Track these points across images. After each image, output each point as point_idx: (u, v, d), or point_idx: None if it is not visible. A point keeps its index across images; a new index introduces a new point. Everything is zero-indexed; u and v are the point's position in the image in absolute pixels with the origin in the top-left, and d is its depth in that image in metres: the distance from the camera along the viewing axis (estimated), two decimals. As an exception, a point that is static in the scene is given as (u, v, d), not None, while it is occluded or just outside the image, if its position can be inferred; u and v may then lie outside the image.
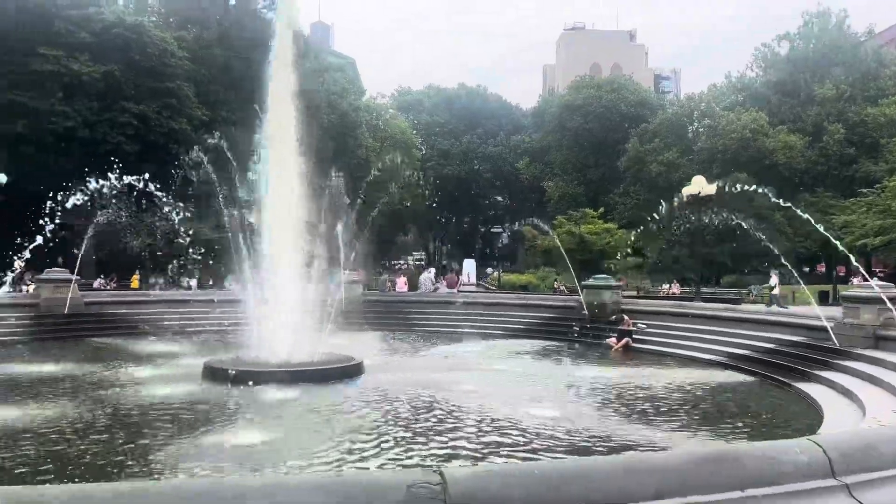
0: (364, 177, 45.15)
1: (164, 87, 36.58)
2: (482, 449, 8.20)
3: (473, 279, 50.98)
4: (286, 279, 14.62)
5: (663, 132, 55.16)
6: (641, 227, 26.37)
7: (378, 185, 36.15)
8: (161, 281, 35.07)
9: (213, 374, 12.56)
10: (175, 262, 27.80)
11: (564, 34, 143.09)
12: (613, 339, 18.75)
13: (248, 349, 14.43)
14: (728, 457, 3.60)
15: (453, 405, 10.56)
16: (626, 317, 19.26)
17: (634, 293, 33.02)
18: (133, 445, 8.18)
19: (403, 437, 8.66)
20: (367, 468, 7.27)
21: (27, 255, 9.09)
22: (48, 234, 8.57)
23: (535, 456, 7.83)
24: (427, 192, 68.65)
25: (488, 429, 9.13)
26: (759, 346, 15.51)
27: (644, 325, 19.11)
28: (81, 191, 12.03)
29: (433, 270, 41.73)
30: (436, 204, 71.85)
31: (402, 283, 31.20)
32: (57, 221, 8.76)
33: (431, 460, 7.62)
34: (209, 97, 40.18)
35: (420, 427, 9.23)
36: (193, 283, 32.88)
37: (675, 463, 3.47)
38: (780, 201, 17.52)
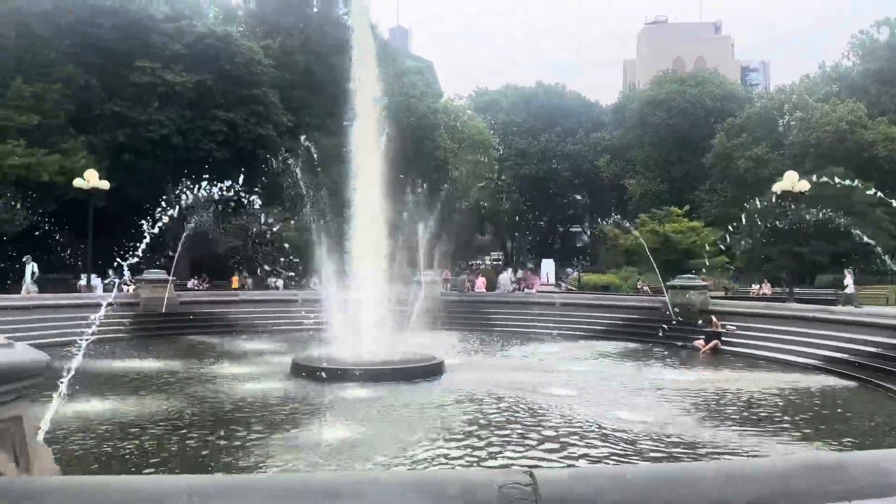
0: (442, 178, 45.69)
1: (251, 94, 38.02)
2: (568, 451, 8.10)
3: (552, 279, 50.46)
4: (369, 279, 14.95)
5: (752, 126, 52.94)
6: (735, 225, 25.36)
7: (456, 185, 36.37)
8: (250, 281, 36.49)
9: (301, 371, 12.97)
10: (263, 262, 28.85)
11: (646, 28, 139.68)
12: (701, 342, 18.16)
13: (334, 347, 14.82)
14: (832, 465, 3.42)
15: (536, 406, 10.49)
16: (713, 318, 18.62)
17: (722, 293, 31.86)
18: (226, 439, 8.53)
19: (487, 437, 8.67)
20: (453, 467, 7.33)
21: (135, 257, 9.63)
22: (150, 237, 9.06)
23: (624, 460, 7.68)
24: (504, 191, 68.60)
25: (574, 431, 9.02)
26: (858, 349, 14.66)
27: (734, 327, 18.41)
28: (185, 196, 12.66)
29: (512, 270, 41.60)
30: (514, 203, 71.64)
31: (480, 284, 31.24)
32: (160, 225, 9.24)
33: (516, 461, 7.60)
34: (293, 103, 41.48)
35: (503, 427, 9.23)
36: (280, 283, 33.99)
37: (774, 470, 3.33)
38: (881, 196, 16.54)
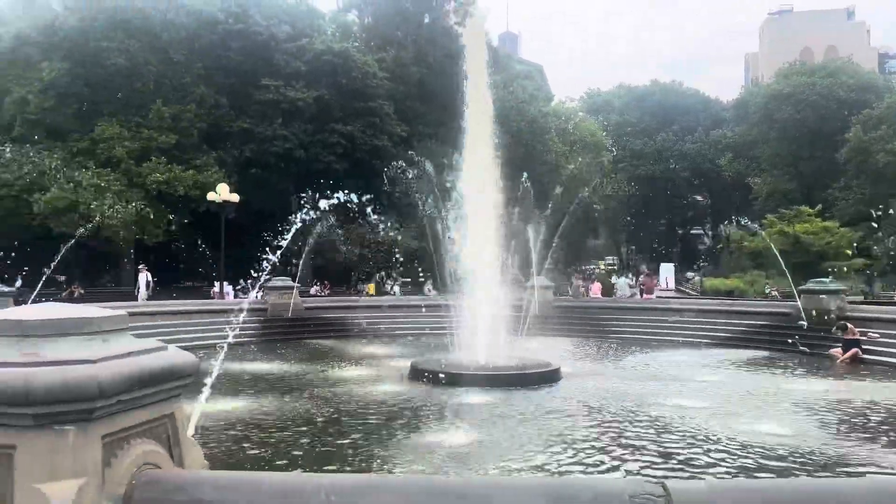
0: (553, 182, 45.21)
1: (367, 106, 39.33)
2: (695, 463, 7.77)
3: (672, 284, 48.69)
4: (483, 284, 15.04)
5: (892, 117, 48.76)
6: (876, 224, 23.46)
7: (568, 189, 35.91)
8: (364, 287, 37.62)
9: (419, 374, 13.23)
10: (381, 269, 29.71)
11: (769, 19, 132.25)
12: (838, 350, 16.89)
13: (450, 352, 15.01)
14: None
15: (659, 416, 10.14)
16: (850, 325, 17.26)
17: (861, 298, 29.50)
18: (348, 440, 8.84)
19: (608, 447, 8.47)
20: (577, 475, 7.22)
21: (269, 266, 10.23)
22: (281, 246, 9.59)
23: (759, 475, 7.27)
24: (619, 194, 66.90)
25: (700, 443, 8.64)
26: None
27: (876, 335, 16.99)
28: (310, 209, 13.34)
29: (629, 275, 40.49)
30: (629, 206, 69.76)
31: (595, 289, 30.63)
32: (287, 237, 9.75)
33: (641, 472, 7.38)
34: (406, 113, 42.52)
35: (624, 437, 8.98)
36: (397, 289, 34.80)
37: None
38: None
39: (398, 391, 12.33)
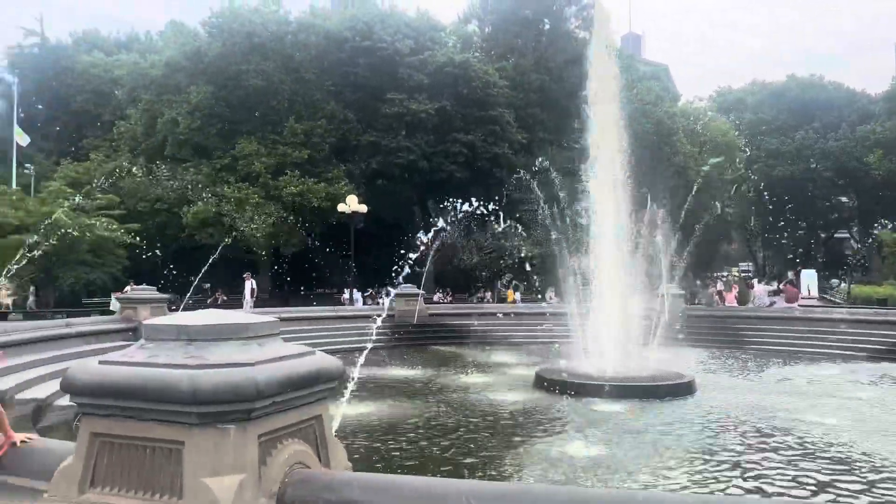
0: (682, 185, 43.44)
1: (487, 115, 39.61)
2: (849, 490, 7.15)
3: (815, 292, 45.33)
4: (610, 292, 14.66)
5: None
6: None
7: (699, 191, 34.39)
8: (489, 294, 37.78)
9: (545, 383, 13.08)
10: (502, 276, 29.76)
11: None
12: None
13: (575, 361, 14.74)
14: None
15: (806, 434, 9.42)
16: None
17: None
18: (476, 445, 8.88)
19: (749, 466, 7.98)
20: (713, 493, 6.86)
21: (402, 277, 10.59)
22: (411, 260, 9.89)
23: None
24: (754, 196, 63.27)
25: (855, 467, 7.95)
26: None
27: None
28: (437, 219, 13.70)
29: (768, 282, 38.12)
30: (765, 208, 65.76)
31: (731, 297, 29.03)
32: (413, 256, 10.03)
33: (790, 493, 6.89)
34: (527, 120, 42.42)
35: (767, 456, 8.42)
36: (518, 296, 34.73)
37: None
38: None
39: (523, 399, 12.25)
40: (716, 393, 12.92)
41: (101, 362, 3.05)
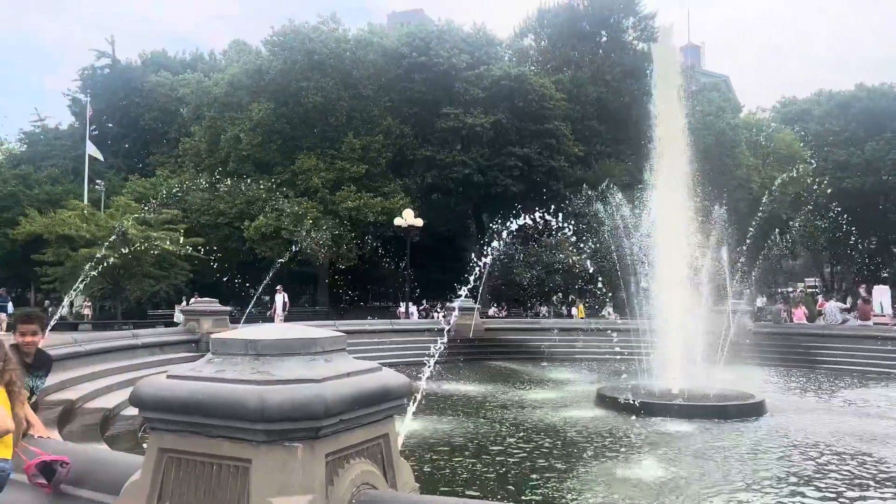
0: (745, 198, 42.16)
1: (543, 128, 39.32)
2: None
3: (888, 309, 43.18)
4: (674, 309, 14.22)
5: None
6: None
7: (763, 205, 33.25)
8: (545, 309, 37.31)
9: (607, 401, 12.73)
10: (559, 291, 29.34)
11: None
12: None
13: (638, 379, 14.33)
14: None
15: (886, 459, 8.88)
16: None
17: None
18: (538, 463, 8.67)
19: (829, 493, 7.52)
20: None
21: (463, 294, 10.49)
22: (468, 278, 9.77)
23: None
24: (821, 209, 60.86)
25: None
26: None
27: None
28: (496, 234, 13.61)
29: (841, 298, 36.53)
30: (832, 223, 63.19)
31: (799, 314, 27.89)
32: (484, 260, 9.90)
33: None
34: (584, 132, 41.94)
35: (843, 481, 7.93)
36: (574, 311, 34.17)
37: None
38: None
39: (585, 417, 11.94)
40: (788, 414, 12.34)
41: (168, 376, 3.01)
